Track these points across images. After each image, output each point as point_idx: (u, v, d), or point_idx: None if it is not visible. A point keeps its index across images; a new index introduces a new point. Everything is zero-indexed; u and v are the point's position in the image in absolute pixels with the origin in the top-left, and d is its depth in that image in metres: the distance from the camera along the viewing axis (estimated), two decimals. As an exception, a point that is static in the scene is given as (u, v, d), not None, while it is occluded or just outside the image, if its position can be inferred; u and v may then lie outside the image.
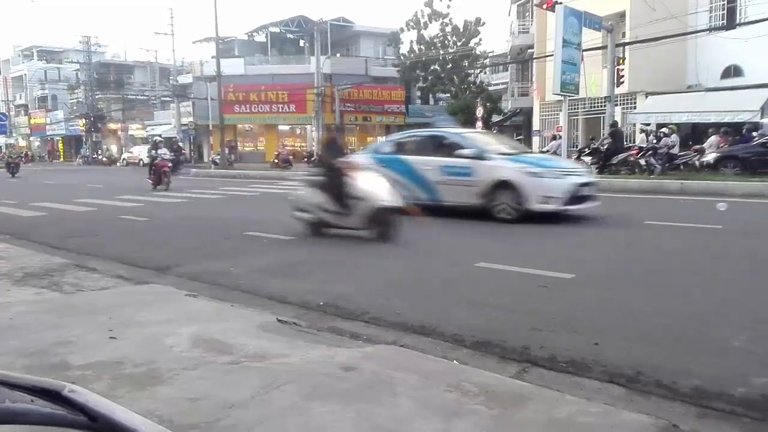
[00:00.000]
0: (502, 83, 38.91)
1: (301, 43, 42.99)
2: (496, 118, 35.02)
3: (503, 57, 37.06)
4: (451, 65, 35.29)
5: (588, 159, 18.10)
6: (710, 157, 15.86)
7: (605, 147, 18.07)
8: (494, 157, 9.21)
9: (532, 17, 30.99)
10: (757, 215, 9.50)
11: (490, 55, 38.16)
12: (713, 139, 17.43)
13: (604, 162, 17.38)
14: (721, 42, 20.99)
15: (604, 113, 21.58)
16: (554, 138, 22.90)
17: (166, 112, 47.75)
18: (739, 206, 10.39)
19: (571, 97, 17.86)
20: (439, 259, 6.25)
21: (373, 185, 7.41)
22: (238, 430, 2.24)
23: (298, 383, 2.68)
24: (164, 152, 21.54)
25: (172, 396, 2.56)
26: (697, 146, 17.68)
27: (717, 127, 18.54)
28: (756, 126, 18.13)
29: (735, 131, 18.07)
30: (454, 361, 3.17)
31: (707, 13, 22.80)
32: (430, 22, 35.36)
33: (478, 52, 36.02)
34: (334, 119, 35.94)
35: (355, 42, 42.90)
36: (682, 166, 16.58)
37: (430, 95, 41.96)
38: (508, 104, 36.09)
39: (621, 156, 17.26)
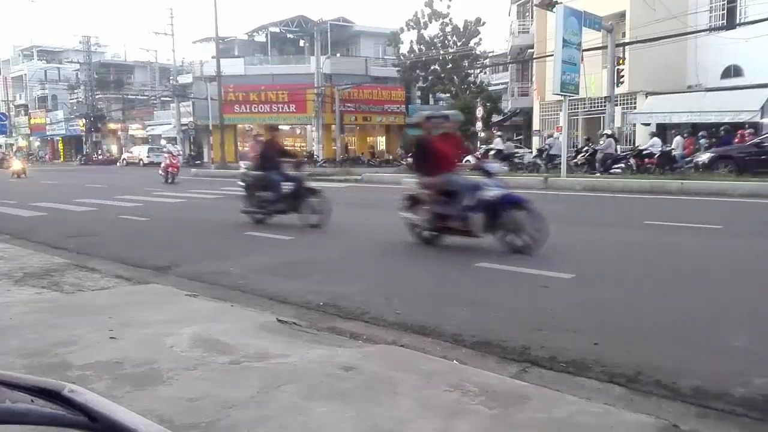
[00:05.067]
0: (502, 83, 38.91)
1: (301, 43, 42.98)
2: (496, 118, 35.04)
3: (503, 57, 37.06)
4: (451, 65, 35.29)
5: None
6: (705, 157, 16.25)
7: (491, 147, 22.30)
8: None
9: (532, 17, 30.98)
10: (757, 215, 9.50)
11: (490, 55, 38.16)
12: (678, 139, 18.61)
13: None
14: (721, 42, 20.98)
15: (604, 113, 21.59)
16: (550, 136, 23.62)
17: (166, 112, 47.75)
18: (738, 206, 10.40)
19: (571, 97, 17.85)
20: (438, 259, 6.25)
21: None
22: (238, 430, 2.24)
23: (298, 383, 2.68)
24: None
25: (172, 396, 2.56)
26: (641, 147, 18.91)
27: (714, 127, 18.89)
28: (735, 127, 18.75)
29: (734, 131, 18.28)
30: (454, 361, 3.16)
31: (707, 13, 22.80)
32: (430, 22, 35.37)
33: (478, 52, 36.03)
34: (333, 119, 35.97)
35: (355, 42, 42.90)
36: (617, 168, 17.75)
37: (430, 95, 41.94)
38: (508, 104, 36.09)
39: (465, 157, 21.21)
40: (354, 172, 21.78)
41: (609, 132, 19.50)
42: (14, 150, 28.57)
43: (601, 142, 19.20)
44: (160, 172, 21.16)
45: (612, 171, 17.54)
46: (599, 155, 18.45)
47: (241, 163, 11.66)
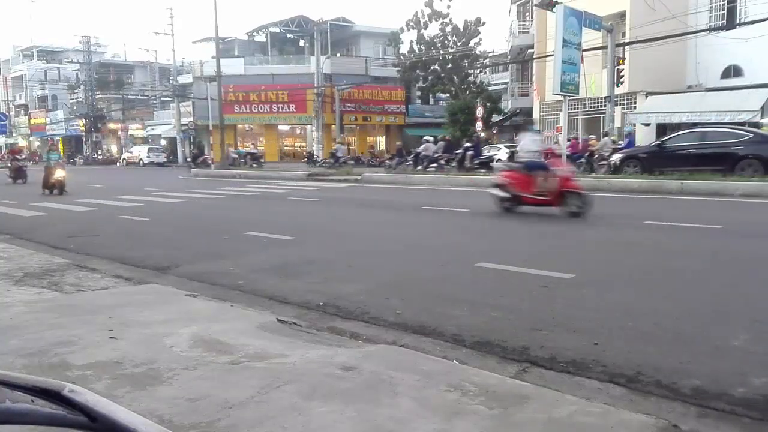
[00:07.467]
0: (502, 83, 38.93)
1: (301, 43, 42.99)
2: (496, 118, 35.03)
3: (503, 57, 37.07)
4: (451, 65, 35.28)
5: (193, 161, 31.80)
6: (616, 157, 17.32)
7: (196, 151, 32.78)
8: None
9: (532, 17, 31.00)
10: (756, 216, 9.50)
11: (490, 55, 38.15)
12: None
13: (194, 161, 31.09)
14: (721, 42, 21.00)
15: (604, 113, 21.61)
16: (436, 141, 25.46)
17: (166, 112, 47.80)
18: (738, 206, 10.40)
19: (571, 97, 17.90)
20: (439, 259, 6.25)
21: None
22: (238, 430, 2.24)
23: (298, 383, 2.68)
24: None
25: (172, 396, 2.56)
26: (458, 151, 22.07)
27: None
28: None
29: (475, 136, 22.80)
30: (454, 361, 3.17)
31: (707, 13, 22.81)
32: (430, 22, 35.37)
33: (478, 52, 36.02)
34: (334, 119, 35.99)
35: (355, 42, 42.93)
36: (432, 167, 21.53)
37: (430, 95, 41.97)
38: (508, 104, 36.09)
39: (202, 157, 30.76)
40: (354, 172, 21.78)
41: (430, 138, 23.54)
42: (48, 147, 16.80)
43: (421, 148, 23.28)
44: (499, 191, 9.54)
45: (428, 170, 21.22)
46: (421, 156, 22.58)
47: None
